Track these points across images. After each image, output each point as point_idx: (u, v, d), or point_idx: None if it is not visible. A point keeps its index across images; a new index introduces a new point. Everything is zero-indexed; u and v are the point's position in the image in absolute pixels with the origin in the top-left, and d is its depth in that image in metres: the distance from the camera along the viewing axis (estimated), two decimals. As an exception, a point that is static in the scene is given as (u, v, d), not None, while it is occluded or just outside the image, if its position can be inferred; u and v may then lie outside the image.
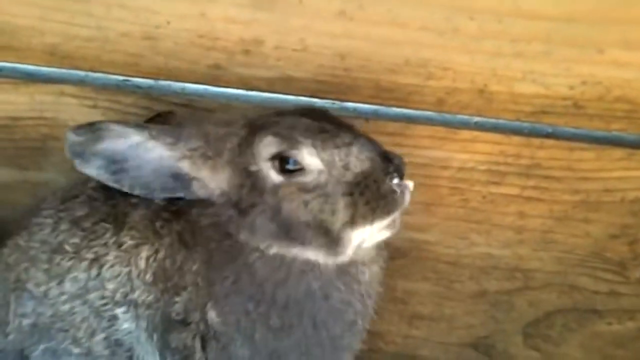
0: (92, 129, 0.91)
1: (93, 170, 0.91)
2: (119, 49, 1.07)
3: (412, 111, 1.08)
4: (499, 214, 1.16)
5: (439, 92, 1.06)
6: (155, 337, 0.94)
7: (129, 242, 0.95)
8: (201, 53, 1.06)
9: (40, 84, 1.11)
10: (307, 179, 0.89)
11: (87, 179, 0.99)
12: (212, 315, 0.93)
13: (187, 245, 0.94)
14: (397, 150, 0.93)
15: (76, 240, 0.97)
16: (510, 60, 1.02)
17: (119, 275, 0.94)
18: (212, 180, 0.93)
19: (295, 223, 0.89)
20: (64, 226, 0.98)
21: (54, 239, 0.98)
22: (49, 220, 1.00)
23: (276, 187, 0.89)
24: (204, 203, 0.94)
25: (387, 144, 0.93)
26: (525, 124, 1.08)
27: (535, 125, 1.08)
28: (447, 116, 1.08)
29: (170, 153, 0.92)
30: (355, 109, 1.08)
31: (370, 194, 0.89)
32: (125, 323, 0.95)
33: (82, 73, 1.10)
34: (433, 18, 1.00)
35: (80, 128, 0.91)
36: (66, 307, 0.96)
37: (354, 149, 0.89)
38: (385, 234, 0.92)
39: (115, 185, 0.92)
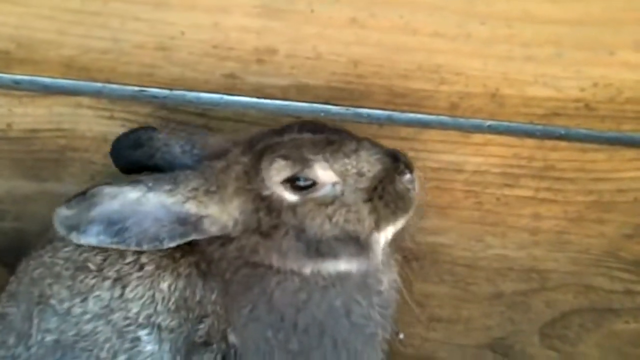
0: (83, 198, 0.91)
1: (93, 239, 0.91)
2: (134, 60, 1.10)
3: (425, 116, 1.11)
4: (514, 216, 1.19)
5: (451, 97, 1.09)
6: (178, 359, 0.96)
7: (149, 266, 0.96)
8: (216, 63, 1.09)
9: (57, 96, 1.15)
10: (323, 192, 0.91)
11: None
12: (232, 339, 0.96)
13: (204, 276, 0.96)
14: (411, 155, 0.97)
15: (99, 259, 0.98)
16: (521, 64, 1.05)
17: (142, 297, 0.96)
18: (222, 213, 0.94)
19: (323, 239, 0.91)
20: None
21: (78, 257, 0.99)
22: None
23: (293, 207, 0.91)
24: (221, 239, 0.95)
25: (401, 148, 0.97)
26: (538, 127, 1.11)
27: (548, 128, 1.11)
28: (460, 120, 1.12)
29: (172, 199, 0.92)
30: (369, 115, 1.12)
31: (388, 196, 0.92)
32: (149, 345, 0.96)
33: (98, 84, 1.13)
34: (445, 24, 1.03)
35: (70, 201, 0.91)
36: (89, 326, 0.96)
37: (363, 154, 0.92)
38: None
39: (121, 246, 0.92)
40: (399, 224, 0.95)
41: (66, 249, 1.00)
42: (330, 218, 0.91)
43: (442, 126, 1.12)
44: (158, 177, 0.94)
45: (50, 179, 1.23)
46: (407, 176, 0.92)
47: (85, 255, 0.99)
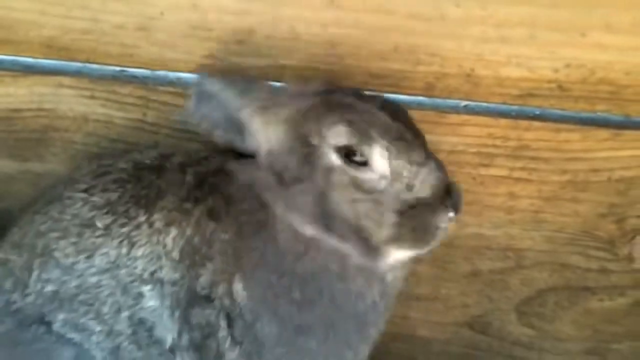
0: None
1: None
2: (114, 41, 1.15)
3: (402, 96, 1.16)
4: (489, 195, 1.25)
5: (428, 78, 1.14)
6: (177, 313, 1.00)
7: (159, 222, 1.01)
8: (195, 43, 1.14)
9: (38, 76, 1.20)
10: (367, 176, 0.91)
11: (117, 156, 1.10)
12: (238, 288, 0.98)
13: (217, 218, 0.99)
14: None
15: (108, 221, 1.03)
16: (495, 45, 1.11)
17: (149, 254, 1.01)
18: (262, 133, 0.96)
19: (338, 216, 0.91)
20: (96, 201, 1.05)
21: (86, 214, 1.05)
22: (82, 195, 1.06)
23: (330, 171, 0.91)
24: (243, 164, 0.99)
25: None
26: (513, 107, 1.17)
27: (522, 108, 1.16)
28: (437, 101, 1.17)
29: (237, 101, 0.97)
30: (347, 96, 1.17)
31: (419, 222, 0.91)
32: (151, 301, 1.01)
33: (79, 64, 1.18)
34: (420, 5, 1.08)
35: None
36: (93, 279, 1.02)
37: (424, 171, 0.90)
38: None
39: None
40: (410, 253, 0.95)
41: (75, 206, 1.06)
42: (355, 202, 0.91)
43: (419, 106, 1.17)
44: (237, 80, 1.00)
45: (32, 159, 1.28)
46: (449, 215, 0.91)
47: (93, 213, 1.04)
